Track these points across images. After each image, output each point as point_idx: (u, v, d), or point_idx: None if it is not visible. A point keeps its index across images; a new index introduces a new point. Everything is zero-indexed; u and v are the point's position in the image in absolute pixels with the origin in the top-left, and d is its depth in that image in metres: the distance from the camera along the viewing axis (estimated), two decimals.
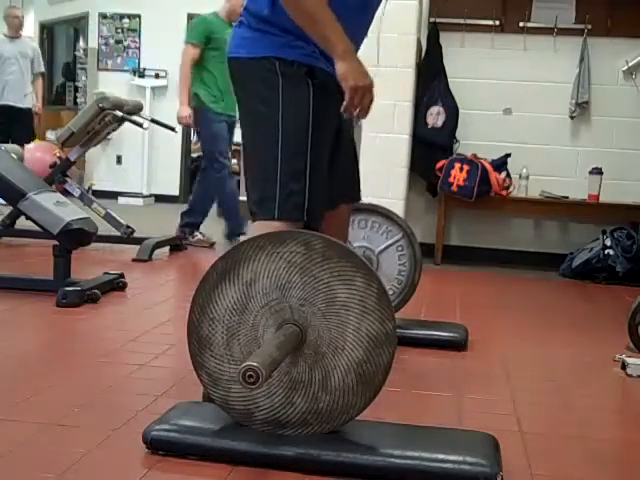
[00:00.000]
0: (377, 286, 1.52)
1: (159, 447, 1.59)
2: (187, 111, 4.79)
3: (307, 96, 1.78)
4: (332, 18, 1.69)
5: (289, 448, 1.55)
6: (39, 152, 6.81)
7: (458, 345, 2.67)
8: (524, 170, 4.93)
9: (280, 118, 1.76)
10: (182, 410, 1.72)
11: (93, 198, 4.67)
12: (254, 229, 1.78)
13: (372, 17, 1.93)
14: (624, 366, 2.48)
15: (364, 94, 1.71)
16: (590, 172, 4.83)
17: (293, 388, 1.57)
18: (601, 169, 4.81)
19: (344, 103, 1.72)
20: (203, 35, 4.78)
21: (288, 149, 1.76)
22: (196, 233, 5.03)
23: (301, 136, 1.77)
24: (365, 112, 1.76)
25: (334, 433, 1.59)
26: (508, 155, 4.86)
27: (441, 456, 1.53)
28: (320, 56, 1.78)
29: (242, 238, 4.70)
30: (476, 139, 5.04)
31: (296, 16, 1.70)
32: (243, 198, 8.21)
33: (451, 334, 2.72)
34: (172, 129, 5.19)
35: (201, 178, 5.07)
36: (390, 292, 2.65)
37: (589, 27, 4.86)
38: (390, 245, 2.76)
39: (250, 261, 1.54)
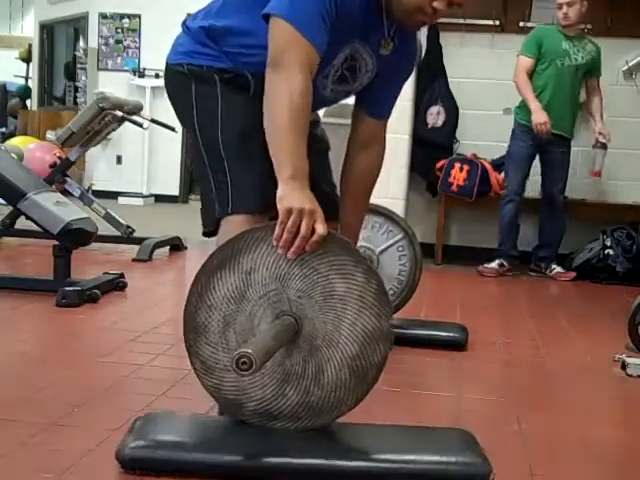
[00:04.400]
0: (376, 282, 1.51)
1: (136, 466, 1.49)
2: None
3: (216, 92, 1.80)
4: (297, 141, 1.55)
5: (274, 459, 1.51)
6: (39, 152, 6.82)
7: (458, 345, 2.67)
8: None
9: (195, 113, 1.83)
10: (154, 423, 1.63)
11: (93, 198, 4.67)
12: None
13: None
14: (624, 366, 2.47)
15: (301, 219, 1.47)
16: (594, 146, 4.64)
17: (286, 380, 1.56)
18: (605, 143, 4.60)
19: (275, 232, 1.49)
20: None
21: (206, 143, 1.82)
22: (553, 266, 4.64)
23: (211, 125, 1.80)
24: (296, 249, 1.48)
25: (323, 437, 1.57)
26: None
27: (434, 457, 1.53)
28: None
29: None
30: (476, 139, 5.04)
31: (265, 116, 1.60)
32: None
33: (451, 334, 2.71)
34: (172, 129, 5.18)
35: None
36: (390, 292, 2.65)
37: (589, 27, 4.84)
38: (391, 245, 2.75)
39: (251, 251, 1.53)
